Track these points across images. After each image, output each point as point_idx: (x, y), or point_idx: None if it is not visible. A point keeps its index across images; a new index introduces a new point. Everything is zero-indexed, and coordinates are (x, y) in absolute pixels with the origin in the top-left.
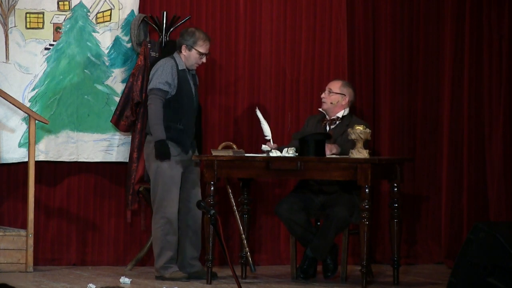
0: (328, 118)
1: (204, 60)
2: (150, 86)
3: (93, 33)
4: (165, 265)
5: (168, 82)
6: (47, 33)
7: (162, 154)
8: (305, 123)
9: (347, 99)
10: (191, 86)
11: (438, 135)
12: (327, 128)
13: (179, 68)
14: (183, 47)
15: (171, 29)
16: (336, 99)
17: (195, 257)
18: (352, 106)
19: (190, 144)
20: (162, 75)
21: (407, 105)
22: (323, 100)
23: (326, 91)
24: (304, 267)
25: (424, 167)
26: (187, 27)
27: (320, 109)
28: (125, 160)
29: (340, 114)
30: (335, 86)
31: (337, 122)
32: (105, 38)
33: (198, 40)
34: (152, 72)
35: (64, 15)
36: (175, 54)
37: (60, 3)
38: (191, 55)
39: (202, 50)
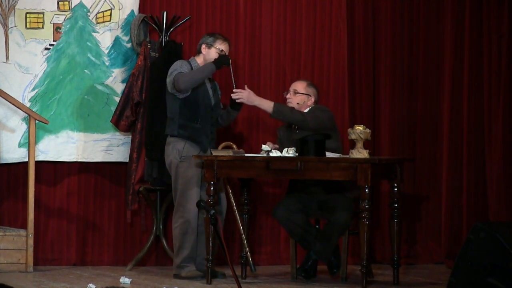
0: None
1: None
2: (171, 78)
3: (93, 33)
4: (182, 264)
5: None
6: (47, 33)
7: (221, 62)
8: (277, 134)
9: (312, 100)
10: (207, 86)
11: (438, 135)
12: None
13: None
14: (203, 46)
15: (171, 29)
16: (302, 100)
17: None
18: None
19: (209, 143)
20: (180, 68)
21: (407, 105)
22: (288, 101)
23: (291, 92)
24: (306, 267)
25: (424, 167)
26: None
27: None
28: (125, 160)
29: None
30: (300, 86)
31: None
32: (105, 38)
33: (218, 39)
34: (169, 71)
35: (64, 15)
36: (191, 59)
37: (60, 3)
38: (210, 53)
39: (221, 47)
